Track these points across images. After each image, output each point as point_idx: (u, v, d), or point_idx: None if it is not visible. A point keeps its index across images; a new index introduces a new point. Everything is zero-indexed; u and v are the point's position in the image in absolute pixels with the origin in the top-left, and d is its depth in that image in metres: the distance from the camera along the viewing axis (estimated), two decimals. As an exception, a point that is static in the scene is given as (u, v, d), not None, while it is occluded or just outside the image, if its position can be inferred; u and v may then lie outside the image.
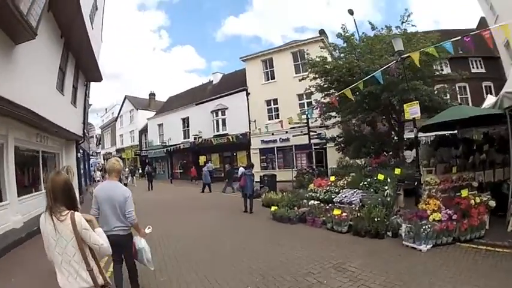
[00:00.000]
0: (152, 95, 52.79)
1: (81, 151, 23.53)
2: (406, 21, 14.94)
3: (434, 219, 6.88)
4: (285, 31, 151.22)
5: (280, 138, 25.75)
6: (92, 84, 21.31)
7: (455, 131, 11.30)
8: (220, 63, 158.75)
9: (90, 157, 34.19)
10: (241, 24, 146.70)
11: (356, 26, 15.90)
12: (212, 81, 37.58)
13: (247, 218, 11.75)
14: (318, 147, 21.08)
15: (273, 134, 25.21)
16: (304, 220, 9.86)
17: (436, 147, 10.73)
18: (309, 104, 22.70)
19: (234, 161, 29.69)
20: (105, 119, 69.72)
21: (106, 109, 72.80)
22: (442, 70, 17.24)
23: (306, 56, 18.60)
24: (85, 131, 19.55)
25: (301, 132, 19.43)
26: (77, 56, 15.78)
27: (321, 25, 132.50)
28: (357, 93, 12.98)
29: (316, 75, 16.01)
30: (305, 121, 18.33)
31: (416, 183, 9.29)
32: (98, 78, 20.15)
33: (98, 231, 2.73)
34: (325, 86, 16.33)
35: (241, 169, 21.36)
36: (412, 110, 9.49)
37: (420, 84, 12.42)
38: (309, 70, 16.51)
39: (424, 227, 6.58)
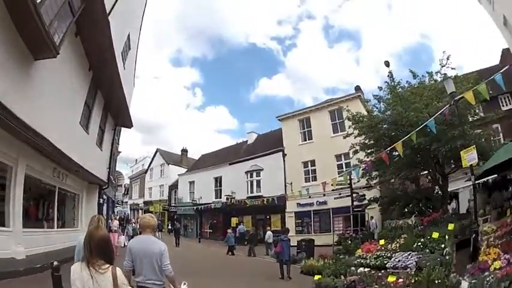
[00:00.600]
0: (184, 151, 53.95)
1: (104, 197, 23.69)
2: (446, 64, 14.70)
3: (495, 268, 6.48)
4: (316, 92, 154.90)
5: (317, 201, 25.46)
6: (123, 134, 22.03)
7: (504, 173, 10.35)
8: (252, 124, 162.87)
9: (116, 205, 34.71)
10: (273, 86, 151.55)
11: (393, 78, 15.91)
12: (247, 141, 38.35)
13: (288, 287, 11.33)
14: (359, 209, 20.48)
15: (310, 197, 24.13)
16: (354, 289, 9.26)
17: (490, 193, 10.10)
18: (348, 165, 23.16)
19: (267, 224, 29.33)
20: (135, 170, 70.85)
21: (136, 160, 74.41)
22: (480, 112, 16.41)
23: (346, 113, 18.14)
24: (111, 177, 19.73)
25: (340, 194, 19.69)
26: (106, 95, 15.78)
27: (351, 84, 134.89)
28: (404, 147, 12.13)
29: (361, 131, 16.08)
30: (347, 182, 17.75)
31: (474, 236, 8.41)
32: (128, 124, 20.58)
33: None
34: (370, 143, 16.22)
35: (269, 233, 21.81)
36: (470, 156, 8.96)
37: (467, 129, 12.12)
38: (353, 126, 16.54)
39: (487, 279, 6.22)
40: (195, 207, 36.66)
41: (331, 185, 17.44)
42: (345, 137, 18.24)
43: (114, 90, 15.20)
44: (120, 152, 35.96)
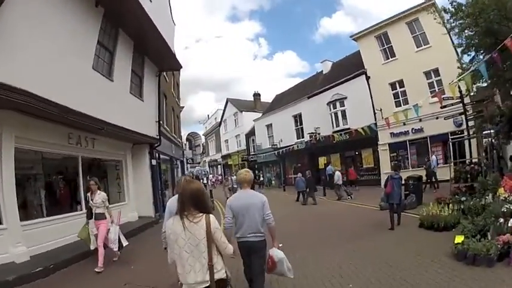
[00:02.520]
0: (257, 95, 52.40)
1: (171, 158, 23.29)
2: None
3: None
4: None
5: (412, 129, 22.66)
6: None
7: None
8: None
9: (195, 165, 35.07)
10: (335, 24, 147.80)
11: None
12: (322, 71, 35.66)
13: (410, 255, 7.32)
14: (460, 136, 18.98)
15: (404, 124, 21.04)
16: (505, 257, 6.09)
17: None
18: (439, 82, 20.84)
19: (357, 161, 27.39)
20: (208, 126, 72.33)
21: (208, 115, 75.21)
22: None
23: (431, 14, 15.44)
24: (161, 129, 17.63)
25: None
26: (133, 35, 13.68)
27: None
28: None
29: (463, 23, 12.96)
30: (456, 96, 15.46)
31: None
32: (174, 65, 18.74)
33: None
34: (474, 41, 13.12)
35: (338, 173, 20.70)
36: None
37: None
38: (452, 19, 13.63)
39: None
40: (276, 152, 35.35)
41: (452, 95, 15.28)
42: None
43: (142, 27, 13.13)
44: (183, 107, 35.61)
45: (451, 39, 17.92)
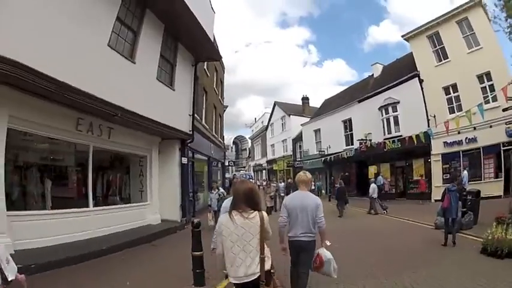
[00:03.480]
0: (305, 99, 51.05)
1: (210, 159, 22.01)
2: None
3: None
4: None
5: (466, 138, 20.46)
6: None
7: None
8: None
9: (239, 169, 34.24)
10: (382, 32, 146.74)
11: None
12: (373, 74, 33.74)
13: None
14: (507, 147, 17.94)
15: (459, 133, 19.69)
16: None
17: None
18: (491, 87, 18.92)
19: (408, 173, 25.30)
20: (255, 129, 71.40)
21: (255, 119, 74.31)
22: None
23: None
24: (196, 125, 16.37)
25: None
26: (163, 16, 12.63)
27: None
28: None
29: None
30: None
31: None
32: (214, 55, 17.42)
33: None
34: None
35: (373, 186, 19.12)
36: None
37: None
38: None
39: None
40: (323, 159, 33.45)
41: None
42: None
43: (174, 9, 12.07)
44: (226, 106, 34.83)
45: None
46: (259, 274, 3.34)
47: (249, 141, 76.65)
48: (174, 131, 14.00)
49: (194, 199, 17.83)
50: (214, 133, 25.08)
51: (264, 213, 3.49)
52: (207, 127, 21.57)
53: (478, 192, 12.80)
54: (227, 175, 36.76)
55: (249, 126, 79.99)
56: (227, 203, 5.02)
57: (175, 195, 15.07)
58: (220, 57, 18.84)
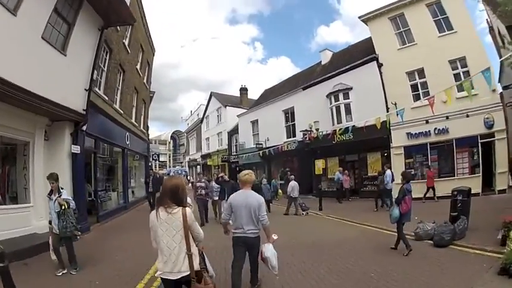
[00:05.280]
0: (244, 89, 47.10)
1: (125, 151, 18.36)
2: None
3: None
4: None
5: (436, 129, 18.12)
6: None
7: None
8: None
9: (153, 162, 30.68)
10: (332, 33, 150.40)
11: None
12: (321, 62, 30.58)
13: None
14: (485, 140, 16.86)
15: (427, 122, 18.02)
16: None
17: None
18: (467, 73, 17.00)
19: (361, 168, 22.62)
20: (190, 123, 67.79)
21: (191, 111, 71.31)
22: None
23: None
24: (88, 103, 12.12)
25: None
26: None
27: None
28: None
29: None
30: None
31: None
32: (126, 17, 13.61)
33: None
34: None
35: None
36: None
37: None
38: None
39: None
40: (260, 153, 29.97)
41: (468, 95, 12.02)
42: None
43: None
44: (153, 92, 31.15)
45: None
46: (186, 273, 3.46)
47: (185, 135, 72.34)
48: (60, 108, 10.22)
49: (97, 200, 14.12)
50: (134, 121, 21.30)
51: (188, 210, 3.60)
52: (122, 112, 17.69)
53: (469, 190, 10.30)
54: (162, 171, 32.29)
55: (184, 120, 76.43)
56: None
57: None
58: (134, 21, 14.98)
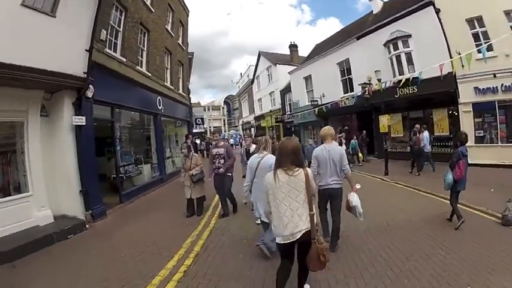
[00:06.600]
0: (293, 46, 44.18)
1: (157, 116, 16.56)
2: None
3: None
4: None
5: (503, 85, 15.11)
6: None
7: None
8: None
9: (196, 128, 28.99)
10: None
11: None
12: (372, 11, 27.44)
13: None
14: None
15: (494, 76, 15.06)
16: None
17: None
18: None
19: (428, 126, 18.15)
20: (241, 85, 66.17)
21: (241, 74, 69.79)
22: None
23: None
24: (89, 65, 9.92)
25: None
26: None
27: None
28: None
29: None
30: None
31: None
32: None
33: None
34: None
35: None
36: None
37: None
38: None
39: None
40: (316, 110, 27.62)
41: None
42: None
43: None
44: (192, 54, 28.85)
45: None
46: (306, 230, 3.48)
47: (237, 98, 71.71)
48: (54, 76, 8.38)
49: (119, 177, 12.32)
50: (169, 84, 19.67)
51: (309, 170, 3.65)
52: (149, 74, 15.95)
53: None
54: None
55: (235, 83, 75.56)
56: (252, 160, 5.96)
57: (70, 176, 9.48)
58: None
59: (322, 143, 6.13)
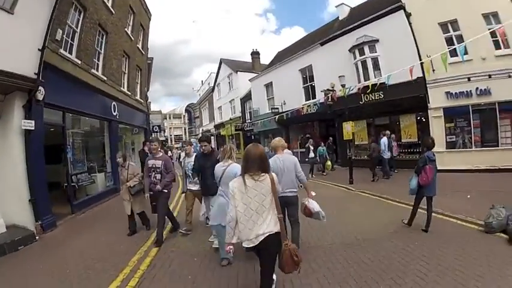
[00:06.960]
0: (255, 53, 43.84)
1: (111, 123, 15.65)
2: None
3: None
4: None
5: (477, 89, 15.12)
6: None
7: None
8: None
9: (154, 134, 28.13)
10: (346, 2, 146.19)
11: None
12: (338, 17, 27.36)
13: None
14: None
15: (469, 80, 15.05)
16: None
17: None
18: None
19: (394, 133, 18.37)
20: (202, 93, 65.20)
21: (202, 81, 69.20)
22: None
23: None
24: (41, 65, 9.31)
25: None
26: None
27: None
28: None
29: None
30: None
31: None
32: None
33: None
34: None
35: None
36: None
37: None
38: None
39: None
40: (277, 118, 27.31)
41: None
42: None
43: None
44: (151, 59, 27.90)
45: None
46: (270, 233, 3.49)
47: (198, 106, 70.63)
48: (1, 75, 7.71)
49: (70, 183, 11.53)
50: (126, 90, 18.74)
51: (274, 175, 3.70)
52: (105, 79, 15.18)
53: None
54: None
55: (196, 91, 74.59)
56: (217, 169, 5.85)
57: (18, 183, 8.75)
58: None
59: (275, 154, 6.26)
